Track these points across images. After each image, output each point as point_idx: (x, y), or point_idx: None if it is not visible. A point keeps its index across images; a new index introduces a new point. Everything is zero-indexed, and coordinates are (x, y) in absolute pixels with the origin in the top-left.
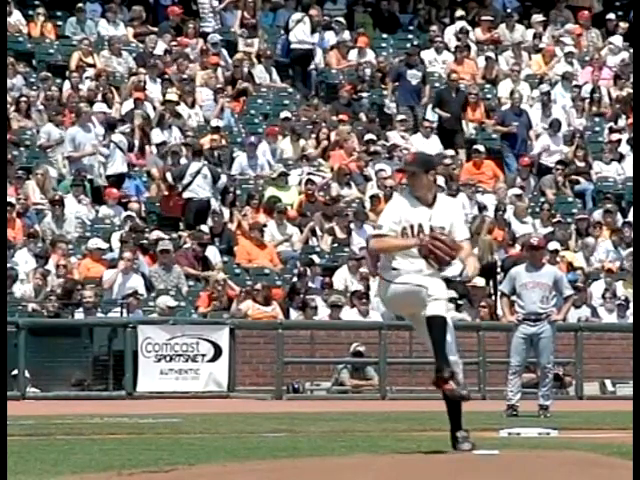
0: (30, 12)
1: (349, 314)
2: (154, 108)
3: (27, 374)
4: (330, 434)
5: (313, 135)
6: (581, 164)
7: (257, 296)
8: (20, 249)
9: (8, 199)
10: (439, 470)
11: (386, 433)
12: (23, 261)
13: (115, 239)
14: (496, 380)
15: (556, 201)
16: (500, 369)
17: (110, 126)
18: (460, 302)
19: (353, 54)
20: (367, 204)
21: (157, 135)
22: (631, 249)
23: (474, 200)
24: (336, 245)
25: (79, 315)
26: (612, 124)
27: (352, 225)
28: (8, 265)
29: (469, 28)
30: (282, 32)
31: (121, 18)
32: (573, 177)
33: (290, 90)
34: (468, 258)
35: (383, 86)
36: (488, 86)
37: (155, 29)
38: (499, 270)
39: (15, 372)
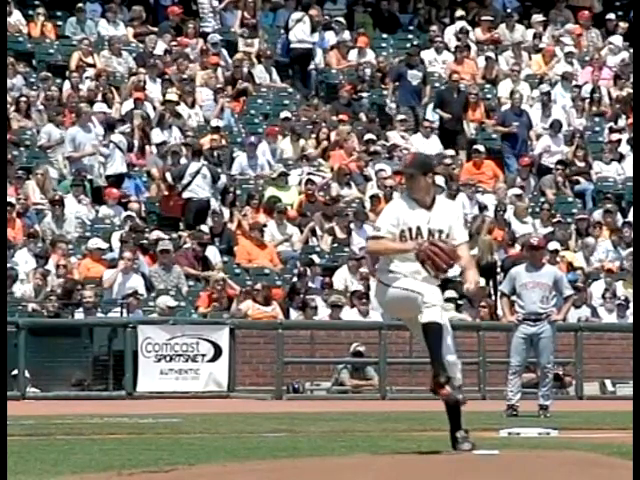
0: (30, 12)
1: (349, 314)
2: (154, 108)
3: (27, 374)
4: (330, 434)
5: (313, 135)
6: (581, 164)
7: (257, 296)
8: (20, 249)
9: (8, 199)
10: (439, 470)
11: (386, 433)
12: (23, 261)
13: (115, 239)
14: (496, 380)
15: (556, 201)
16: (500, 369)
17: (110, 126)
18: (460, 302)
19: (353, 54)
20: (367, 204)
21: (157, 135)
22: (631, 249)
23: (474, 200)
24: (336, 245)
25: (79, 315)
26: (612, 124)
27: (352, 225)
28: (8, 265)
29: (469, 28)
30: (282, 32)
31: (121, 18)
32: (573, 177)
33: (290, 90)
34: (468, 271)
35: (383, 86)
36: (488, 86)
37: (155, 29)
38: (499, 270)
39: (15, 372)
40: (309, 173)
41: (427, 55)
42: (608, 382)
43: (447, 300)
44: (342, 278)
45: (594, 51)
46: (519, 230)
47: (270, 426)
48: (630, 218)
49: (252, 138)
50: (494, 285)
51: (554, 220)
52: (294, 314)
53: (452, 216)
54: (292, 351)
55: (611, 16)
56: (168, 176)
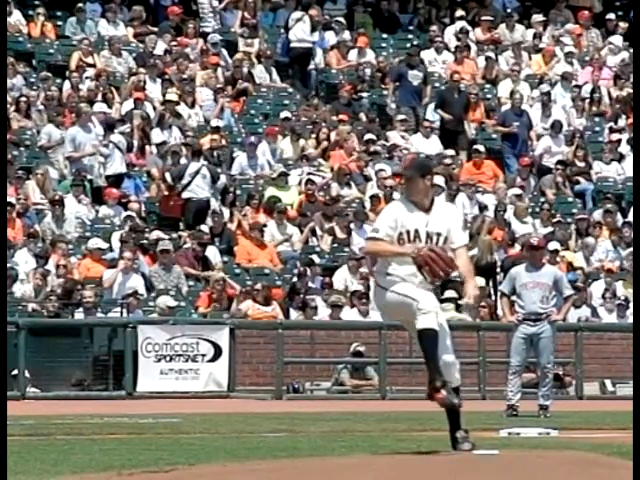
0: (30, 12)
1: (349, 314)
2: (154, 108)
3: (27, 374)
4: (330, 434)
5: (313, 135)
6: (581, 164)
7: (257, 296)
8: (20, 249)
9: (8, 199)
10: (439, 470)
11: (386, 433)
12: (23, 261)
13: (115, 239)
14: (496, 380)
15: (556, 201)
16: (500, 369)
17: (109, 126)
18: (460, 302)
19: (353, 54)
20: (367, 204)
21: (157, 135)
22: (631, 249)
23: (474, 200)
24: (336, 245)
25: (79, 315)
26: (612, 124)
27: (352, 225)
28: (8, 265)
29: (469, 28)
30: (282, 31)
31: (121, 18)
32: (573, 177)
33: (290, 90)
34: (468, 283)
35: (383, 86)
36: (488, 86)
37: (155, 29)
38: (499, 270)
39: (15, 372)
40: (309, 173)
41: (427, 55)
42: (608, 382)
43: (447, 300)
44: (342, 278)
45: (594, 51)
46: (519, 230)
47: (270, 426)
48: (630, 218)
49: (252, 138)
50: (494, 285)
51: (554, 220)
52: (294, 314)
53: (451, 219)
54: (292, 351)
55: (611, 16)
56: (168, 176)
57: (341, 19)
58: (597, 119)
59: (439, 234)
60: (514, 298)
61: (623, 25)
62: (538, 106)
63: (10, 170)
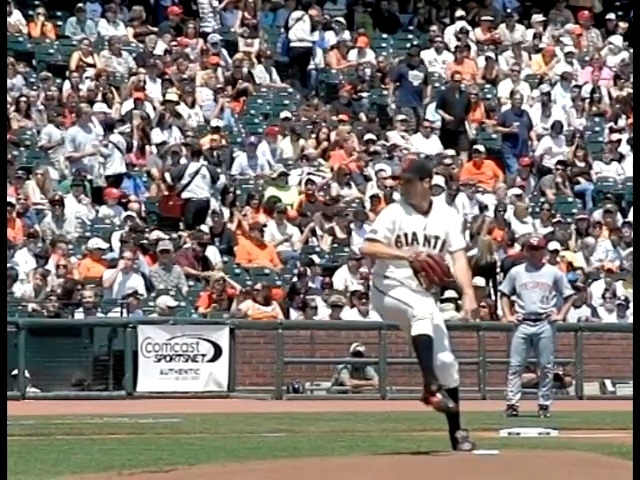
0: (30, 12)
1: (349, 314)
2: (154, 108)
3: (27, 374)
4: (330, 434)
5: (313, 135)
6: (581, 164)
7: (257, 296)
8: (20, 249)
9: (8, 199)
10: (439, 470)
11: (386, 433)
12: (23, 261)
13: (115, 239)
14: (496, 380)
15: (556, 201)
16: (500, 369)
17: (109, 126)
18: (460, 302)
19: (353, 54)
20: (367, 204)
21: (157, 135)
22: (631, 249)
23: (474, 200)
24: (336, 245)
25: (79, 315)
26: (612, 124)
27: (352, 225)
28: (8, 265)
29: (469, 28)
30: (282, 31)
31: (121, 18)
32: (573, 177)
33: (290, 90)
34: (465, 295)
35: (383, 86)
36: (488, 86)
37: (155, 29)
38: (499, 270)
39: (15, 372)
40: (309, 173)
41: (427, 55)
42: (608, 382)
43: (447, 300)
44: (342, 278)
45: (594, 51)
46: (519, 230)
47: (270, 426)
48: (630, 218)
49: (252, 138)
50: (494, 285)
51: (554, 220)
52: (294, 314)
53: (449, 222)
54: (292, 351)
55: (611, 16)
56: (167, 176)
57: (341, 19)
58: (597, 119)
59: (437, 237)
60: (514, 298)
61: (623, 25)
62: (538, 106)
63: (10, 170)
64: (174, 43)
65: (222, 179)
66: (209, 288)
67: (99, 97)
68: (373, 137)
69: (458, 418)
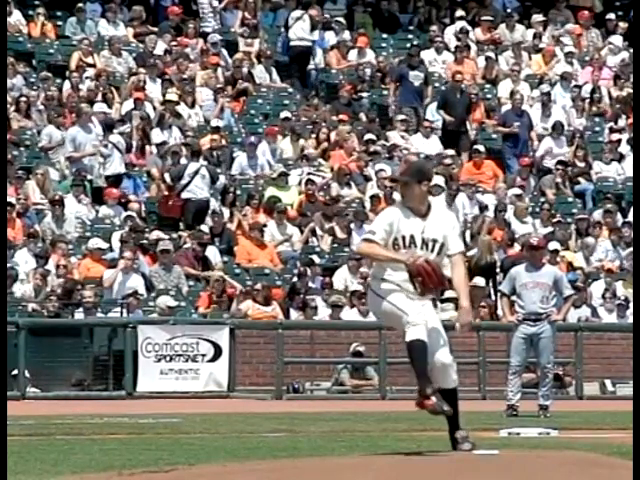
0: (30, 12)
1: (349, 314)
2: (154, 108)
3: (27, 374)
4: (330, 434)
5: (313, 135)
6: (581, 164)
7: (257, 296)
8: (20, 249)
9: (8, 199)
10: (439, 470)
11: (386, 433)
12: (23, 261)
13: (115, 239)
14: (496, 380)
15: (556, 201)
16: (500, 369)
17: (108, 127)
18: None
19: (353, 54)
20: (367, 204)
21: (157, 135)
22: (631, 249)
23: (474, 200)
24: (336, 245)
25: (79, 315)
26: (612, 124)
27: (352, 225)
28: (8, 265)
29: (469, 28)
30: (282, 31)
31: (121, 18)
32: (573, 177)
33: (290, 90)
34: (461, 308)
35: (383, 86)
36: (488, 86)
37: (155, 29)
38: (498, 270)
39: (15, 372)
40: (309, 173)
41: (427, 55)
42: (608, 382)
43: (447, 300)
44: (342, 278)
45: (594, 51)
46: (519, 230)
47: (270, 426)
48: (630, 218)
49: (252, 138)
50: (494, 285)
51: (554, 220)
52: (294, 314)
53: (447, 225)
54: (292, 351)
55: (611, 16)
56: (167, 176)
57: (341, 19)
58: (597, 119)
59: (435, 240)
60: (514, 298)
61: (623, 25)
62: (538, 106)
63: (10, 170)
64: (174, 43)
65: (222, 179)
66: (209, 288)
67: (99, 97)
68: (373, 137)
69: (458, 418)
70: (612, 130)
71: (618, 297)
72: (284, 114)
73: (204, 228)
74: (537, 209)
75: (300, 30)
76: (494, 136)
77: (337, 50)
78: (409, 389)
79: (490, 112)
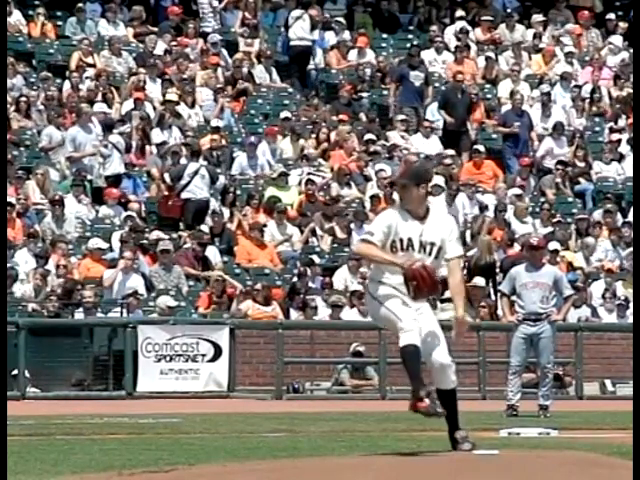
0: (30, 12)
1: (349, 314)
2: (154, 108)
3: (27, 374)
4: (330, 434)
5: (313, 135)
6: (581, 164)
7: (257, 296)
8: (20, 249)
9: (8, 199)
10: (439, 470)
11: (386, 433)
12: (23, 261)
13: (115, 239)
14: (496, 380)
15: (556, 201)
16: (500, 369)
17: (108, 127)
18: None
19: (353, 54)
20: (367, 204)
21: (157, 135)
22: (631, 249)
23: (474, 200)
24: (336, 245)
25: (79, 315)
26: (612, 124)
27: (352, 225)
28: (8, 265)
29: (469, 28)
30: (282, 30)
31: (121, 18)
32: (574, 177)
33: (290, 90)
34: (457, 319)
35: (383, 86)
36: (488, 86)
37: (155, 29)
38: (498, 270)
39: (15, 372)
40: (309, 173)
41: (427, 55)
42: (608, 382)
43: (447, 300)
44: (342, 278)
45: (594, 51)
46: (519, 230)
47: (270, 426)
48: (630, 218)
49: (252, 138)
50: (494, 285)
51: (554, 220)
52: (294, 314)
53: (445, 229)
54: (292, 351)
55: (611, 16)
56: (166, 177)
57: (341, 19)
58: (597, 119)
59: (433, 244)
60: (514, 298)
61: (623, 25)
62: (538, 106)
63: (10, 170)
64: (174, 43)
65: (222, 179)
66: (209, 288)
67: (99, 97)
68: (373, 137)
69: (457, 418)
70: (612, 130)
71: (618, 297)
72: (284, 114)
73: (204, 228)
74: (537, 209)
75: (300, 29)
76: (494, 136)
77: (337, 50)
78: (409, 389)
79: (490, 112)
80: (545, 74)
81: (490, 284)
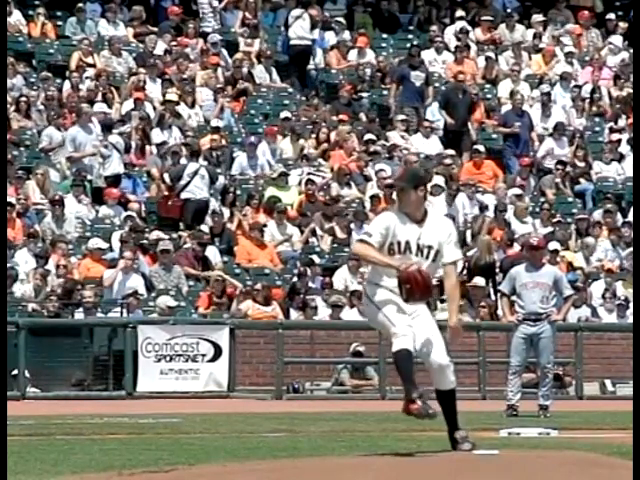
0: (30, 12)
1: (349, 314)
2: (154, 108)
3: (27, 374)
4: (330, 434)
5: (313, 135)
6: (581, 164)
7: (257, 296)
8: (20, 249)
9: (8, 199)
10: (439, 470)
11: (386, 433)
12: (23, 261)
13: (115, 239)
14: (496, 380)
15: (556, 201)
16: (500, 369)
17: (107, 127)
18: (460, 302)
19: (353, 54)
20: (367, 204)
21: (157, 135)
22: (631, 249)
23: (474, 200)
24: (336, 245)
25: (79, 315)
26: (612, 124)
27: (352, 225)
28: (8, 265)
29: (469, 28)
30: (282, 30)
31: (121, 18)
32: (573, 177)
33: (290, 90)
34: (451, 329)
35: (383, 86)
36: (488, 86)
37: (155, 29)
38: (498, 270)
39: (15, 372)
40: (309, 173)
41: (427, 55)
42: (608, 382)
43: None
44: (342, 278)
45: (594, 51)
46: (519, 230)
47: (270, 426)
48: (630, 218)
49: (252, 138)
50: (494, 285)
51: (554, 220)
52: (294, 314)
53: (443, 233)
54: (292, 351)
55: (611, 16)
56: (166, 177)
57: (341, 19)
58: (597, 119)
59: (430, 247)
60: (514, 298)
61: (623, 25)
62: (538, 106)
63: (10, 170)
64: (174, 43)
65: (221, 179)
66: (209, 288)
67: (99, 97)
68: (373, 137)
69: (456, 418)
70: (612, 130)
71: (618, 297)
72: (284, 114)
73: (204, 228)
74: (537, 209)
75: (300, 29)
76: (494, 136)
77: (337, 50)
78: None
79: (490, 112)
80: (545, 74)
81: (490, 284)
